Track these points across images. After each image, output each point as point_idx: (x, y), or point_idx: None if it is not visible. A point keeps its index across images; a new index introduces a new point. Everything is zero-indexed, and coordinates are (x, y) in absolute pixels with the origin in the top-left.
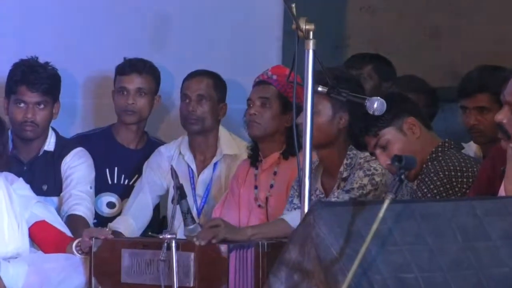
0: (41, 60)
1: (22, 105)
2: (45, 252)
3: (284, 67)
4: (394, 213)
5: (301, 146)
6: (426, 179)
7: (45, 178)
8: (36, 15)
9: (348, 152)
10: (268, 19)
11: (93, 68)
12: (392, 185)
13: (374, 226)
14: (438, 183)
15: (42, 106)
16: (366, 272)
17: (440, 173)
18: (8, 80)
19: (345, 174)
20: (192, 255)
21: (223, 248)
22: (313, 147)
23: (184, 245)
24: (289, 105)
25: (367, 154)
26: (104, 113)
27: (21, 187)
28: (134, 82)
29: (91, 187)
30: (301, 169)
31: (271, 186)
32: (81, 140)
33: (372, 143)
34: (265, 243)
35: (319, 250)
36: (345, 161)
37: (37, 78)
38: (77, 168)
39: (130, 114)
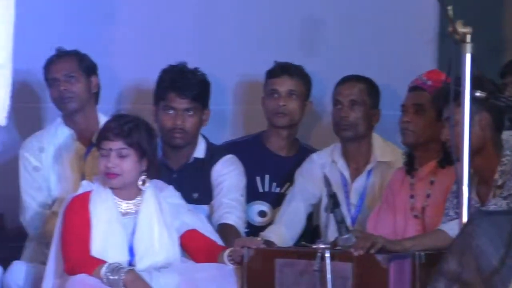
0: (189, 66)
1: (171, 111)
2: (196, 261)
3: (440, 72)
4: None
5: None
6: None
7: (195, 186)
8: (182, 22)
9: (502, 159)
10: (422, 22)
11: (243, 74)
12: None
13: None
14: None
15: (191, 112)
16: None
17: None
18: (157, 86)
19: (500, 182)
20: (350, 265)
21: (383, 258)
22: None
23: (341, 256)
24: None
25: None
26: (254, 120)
27: (171, 195)
28: (285, 84)
29: (242, 195)
30: (459, 178)
31: (428, 195)
32: (231, 147)
33: None
34: (422, 254)
35: (479, 261)
36: (499, 168)
37: (186, 84)
38: (228, 175)
39: (281, 117)
